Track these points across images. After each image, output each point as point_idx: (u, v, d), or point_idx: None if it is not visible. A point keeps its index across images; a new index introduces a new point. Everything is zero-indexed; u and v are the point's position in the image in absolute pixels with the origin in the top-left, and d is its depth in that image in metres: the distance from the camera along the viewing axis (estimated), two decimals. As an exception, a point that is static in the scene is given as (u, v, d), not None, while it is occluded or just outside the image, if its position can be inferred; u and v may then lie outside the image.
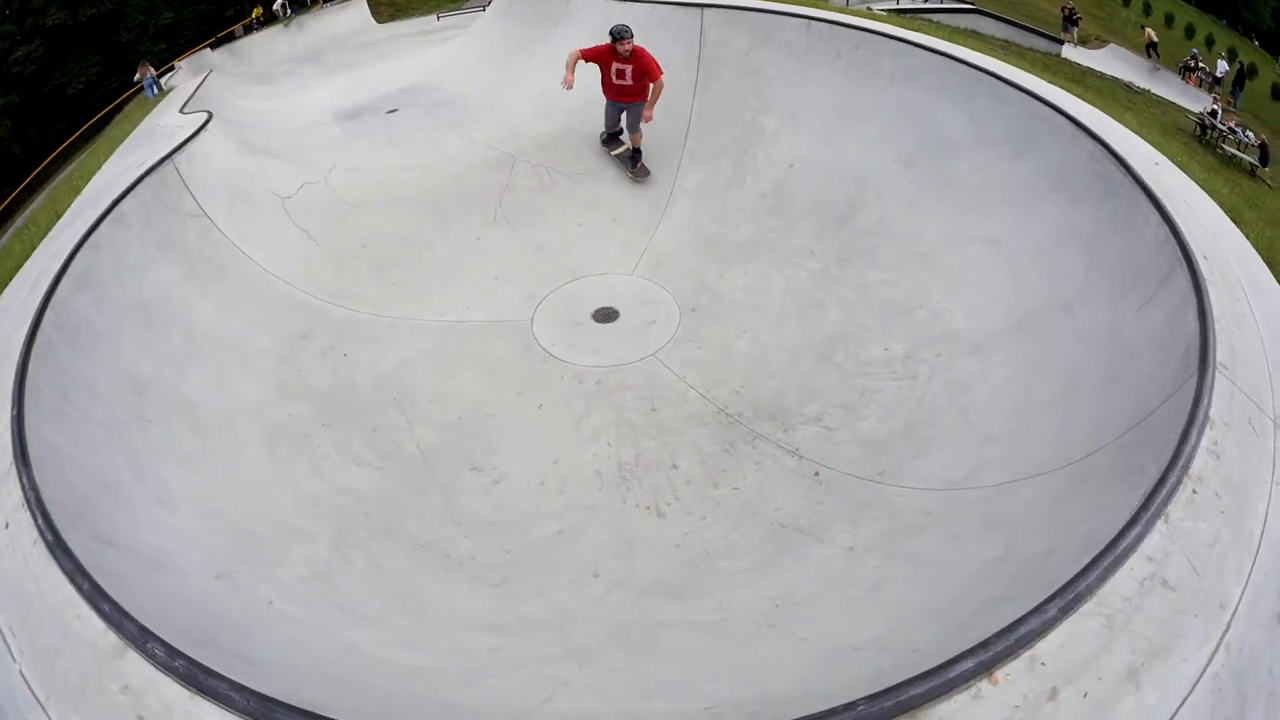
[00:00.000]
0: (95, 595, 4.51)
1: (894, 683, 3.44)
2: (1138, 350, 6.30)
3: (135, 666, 4.17)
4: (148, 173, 9.94)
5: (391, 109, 16.69)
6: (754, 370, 8.82)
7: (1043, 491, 5.78)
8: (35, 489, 5.27)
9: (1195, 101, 31.38)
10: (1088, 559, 3.99)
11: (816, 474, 7.28)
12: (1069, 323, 7.31)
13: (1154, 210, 6.99)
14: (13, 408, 5.98)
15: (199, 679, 3.98)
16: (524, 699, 4.65)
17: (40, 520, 5.05)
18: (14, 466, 5.48)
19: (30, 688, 4.35)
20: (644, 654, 5.29)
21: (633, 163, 12.15)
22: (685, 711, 3.61)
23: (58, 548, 4.86)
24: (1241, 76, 38.54)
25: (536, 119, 13.84)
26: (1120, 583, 3.94)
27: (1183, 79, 36.97)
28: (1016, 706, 3.48)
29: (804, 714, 3.34)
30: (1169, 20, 48.54)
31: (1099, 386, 6.44)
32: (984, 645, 3.58)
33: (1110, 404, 6.08)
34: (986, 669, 3.52)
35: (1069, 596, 3.80)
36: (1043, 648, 3.64)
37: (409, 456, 8.02)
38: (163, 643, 4.18)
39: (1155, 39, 38.30)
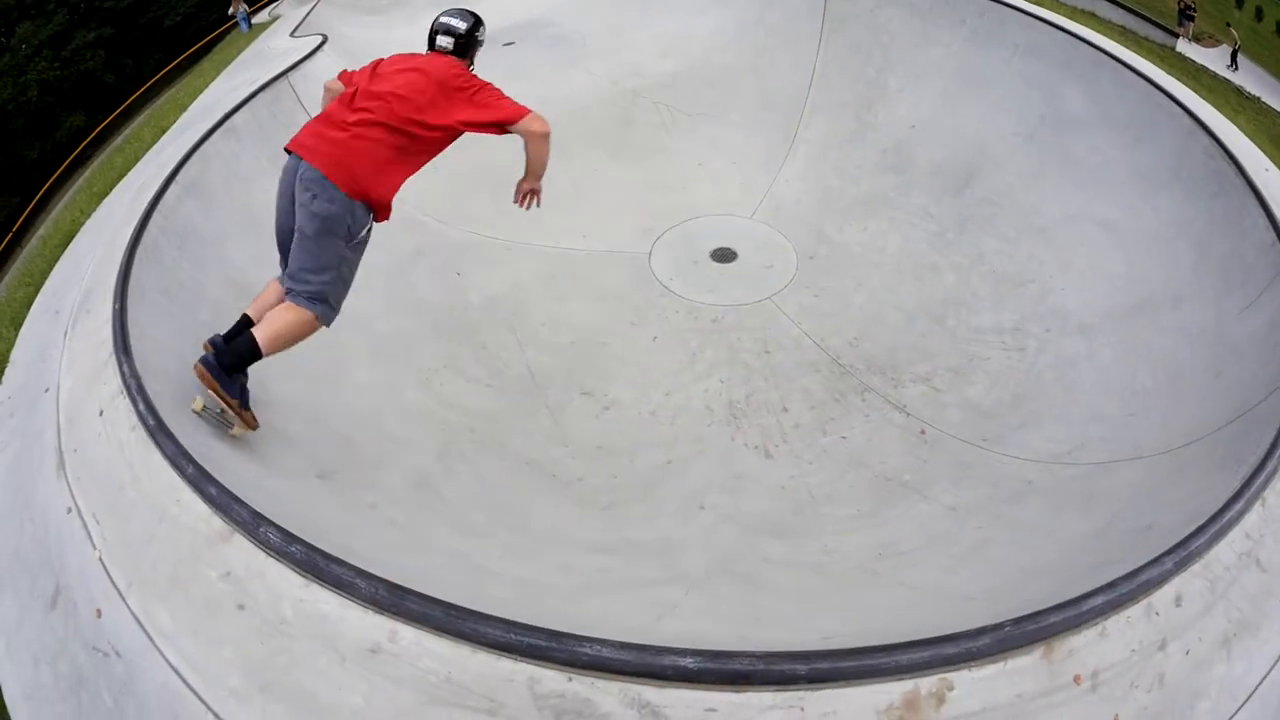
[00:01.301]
0: (200, 479, 4.40)
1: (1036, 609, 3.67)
2: (1240, 348, 6.44)
3: (240, 553, 4.09)
4: (263, 87, 10.04)
5: (508, 41, 16.70)
6: (869, 324, 8.97)
7: (1143, 473, 5.92)
8: (136, 375, 5.17)
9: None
10: (1189, 531, 4.19)
11: (923, 432, 7.46)
12: (1176, 314, 7.42)
13: (1262, 213, 7.10)
14: (115, 301, 5.92)
15: (319, 564, 3.88)
16: (635, 616, 4.73)
17: (142, 405, 4.93)
18: (113, 356, 5.43)
19: (110, 575, 4.31)
20: (751, 586, 5.46)
21: None
22: (802, 641, 3.60)
23: (159, 431, 4.72)
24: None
25: (659, 58, 13.81)
26: (1223, 552, 4.18)
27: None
28: (1133, 650, 3.70)
29: (946, 633, 3.53)
30: (1258, 14, 47.11)
31: (1202, 380, 6.57)
32: (1111, 585, 3.79)
33: (1212, 397, 6.22)
34: (1114, 608, 3.74)
35: (1183, 554, 4.02)
36: (1158, 598, 3.88)
37: (519, 376, 8.24)
38: (277, 527, 4.06)
39: (1239, 43, 36.91)
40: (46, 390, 5.98)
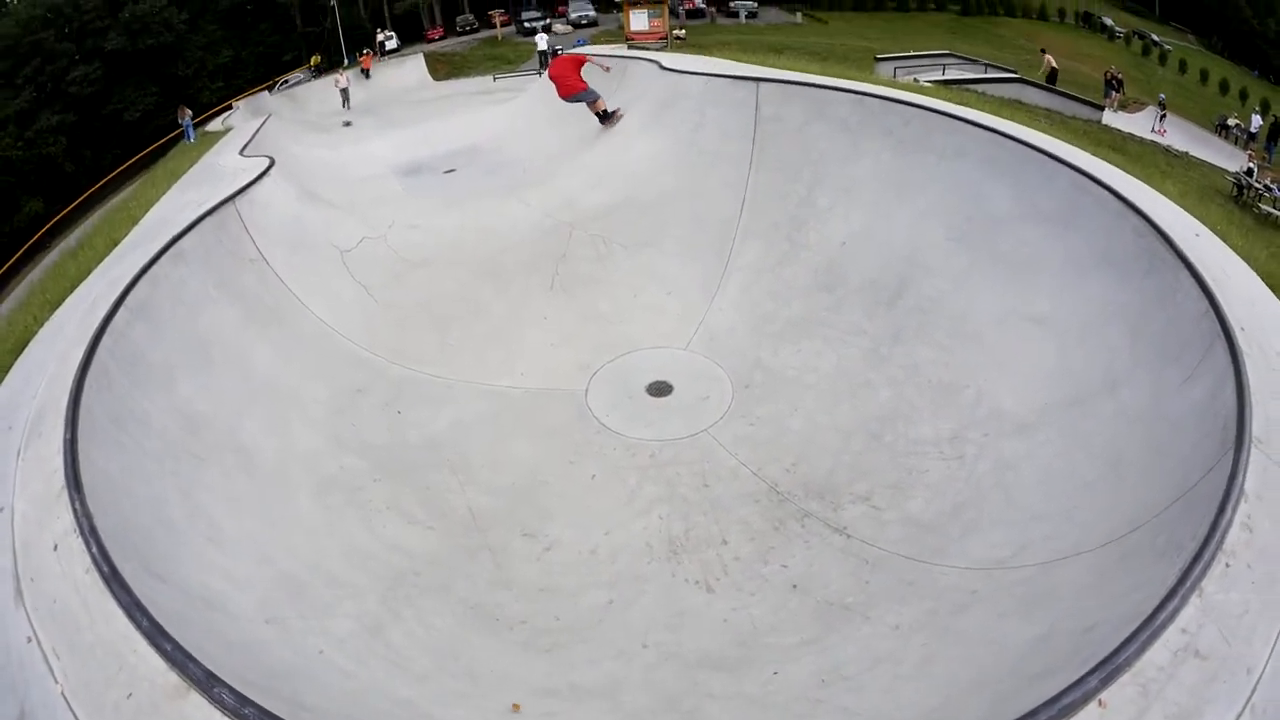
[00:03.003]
0: (155, 634, 4.42)
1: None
2: (1180, 425, 6.38)
3: (198, 710, 4.09)
4: (210, 212, 10.22)
5: (450, 169, 16.96)
6: (805, 448, 8.91)
7: (1086, 569, 5.87)
8: (89, 516, 5.22)
9: (1231, 160, 31.39)
10: (1127, 633, 4.16)
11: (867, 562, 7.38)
12: (1114, 400, 7.37)
13: (1194, 284, 7.09)
14: (66, 430, 5.97)
15: None
16: None
17: (95, 550, 4.98)
18: (65, 490, 5.45)
19: (74, 712, 4.24)
20: (694, 725, 5.30)
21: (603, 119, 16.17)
22: None
23: (114, 580, 4.78)
24: (1276, 131, 38.42)
25: (591, 189, 14.11)
26: (1156, 654, 4.12)
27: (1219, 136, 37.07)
28: None
29: None
30: (1204, 76, 48.48)
31: (1143, 462, 6.51)
32: (1031, 715, 3.78)
33: (1153, 480, 6.16)
34: None
35: (1108, 669, 3.98)
36: (1083, 717, 3.84)
37: (461, 518, 8.14)
38: (230, 688, 4.11)
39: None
40: (1, 509, 5.85)
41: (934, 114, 11.42)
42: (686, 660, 6.30)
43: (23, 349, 8.35)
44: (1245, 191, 26.08)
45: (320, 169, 16.44)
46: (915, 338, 9.78)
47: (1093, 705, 3.88)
